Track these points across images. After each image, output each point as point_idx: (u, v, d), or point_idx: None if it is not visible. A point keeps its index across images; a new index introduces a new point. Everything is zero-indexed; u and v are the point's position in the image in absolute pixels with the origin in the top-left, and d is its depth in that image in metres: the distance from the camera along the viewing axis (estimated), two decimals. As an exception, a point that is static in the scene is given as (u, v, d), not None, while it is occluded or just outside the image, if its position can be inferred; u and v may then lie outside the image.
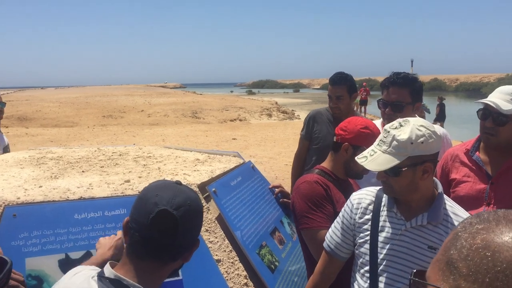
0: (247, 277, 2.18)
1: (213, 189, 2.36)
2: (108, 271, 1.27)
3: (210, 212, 2.28)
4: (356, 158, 1.83)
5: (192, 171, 2.56)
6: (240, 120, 24.91)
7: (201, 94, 50.79)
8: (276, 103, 39.84)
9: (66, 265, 1.90)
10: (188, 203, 1.28)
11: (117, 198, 2.13)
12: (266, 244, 2.47)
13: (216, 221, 2.26)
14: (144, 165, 2.70)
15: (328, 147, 3.72)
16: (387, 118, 2.79)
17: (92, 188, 2.17)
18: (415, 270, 0.83)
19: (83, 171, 2.51)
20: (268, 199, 2.81)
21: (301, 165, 4.03)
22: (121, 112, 28.32)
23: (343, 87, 3.69)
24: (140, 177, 2.38)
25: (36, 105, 35.55)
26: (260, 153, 12.69)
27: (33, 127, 21.51)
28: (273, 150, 13.11)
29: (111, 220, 2.04)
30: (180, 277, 2.03)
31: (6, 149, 4.16)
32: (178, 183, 1.35)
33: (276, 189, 2.90)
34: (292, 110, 31.99)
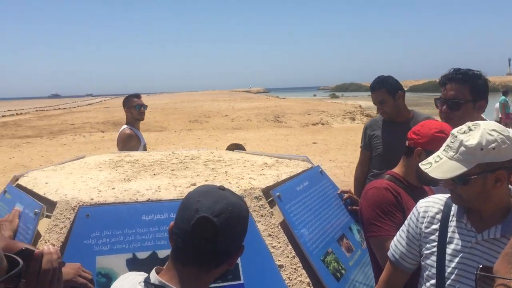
0: (310, 284, 2.14)
1: (277, 193, 2.35)
2: (154, 277, 1.30)
3: (274, 217, 2.27)
4: (420, 164, 1.73)
5: (258, 175, 2.57)
6: (322, 124, 24.71)
7: (284, 99, 51.09)
8: (360, 106, 39.03)
9: (133, 264, 1.99)
10: (230, 210, 1.28)
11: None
12: (332, 251, 2.41)
13: (279, 226, 2.25)
14: (213, 168, 2.75)
15: (388, 153, 3.56)
16: (444, 117, 2.61)
17: (159, 191, 2.25)
18: (480, 266, 0.77)
19: (154, 174, 2.61)
20: (337, 204, 2.74)
21: (363, 177, 3.97)
22: (206, 117, 29.30)
23: (382, 91, 3.65)
24: (206, 180, 2.43)
25: (129, 111, 37.72)
26: (341, 157, 12.49)
27: (127, 132, 22.78)
28: (354, 155, 12.82)
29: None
30: (242, 281, 2.04)
31: (145, 147, 4.81)
32: (222, 188, 1.36)
33: (345, 195, 2.82)
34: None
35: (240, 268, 2.07)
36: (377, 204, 2.18)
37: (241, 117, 28.16)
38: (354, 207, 2.79)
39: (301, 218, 2.38)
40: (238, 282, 2.04)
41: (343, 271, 2.36)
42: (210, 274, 1.33)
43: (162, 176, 2.56)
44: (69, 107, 54.47)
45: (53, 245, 1.98)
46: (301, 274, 2.14)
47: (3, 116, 41.98)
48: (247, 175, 2.55)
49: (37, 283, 1.18)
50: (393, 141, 3.62)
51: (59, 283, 1.25)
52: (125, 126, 4.84)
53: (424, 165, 1.68)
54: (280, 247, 2.18)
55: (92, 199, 2.13)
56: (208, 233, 1.25)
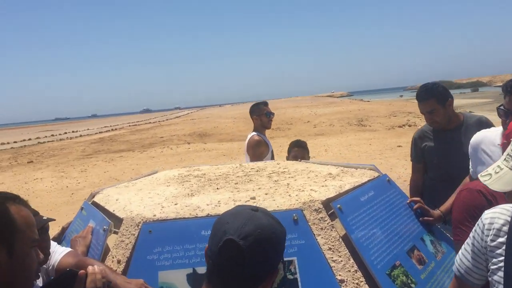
0: (374, 300, 2.05)
1: (338, 205, 2.29)
2: None
3: (335, 230, 2.21)
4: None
5: (320, 186, 2.52)
6: (409, 125, 23.75)
7: (368, 101, 49.91)
8: (450, 105, 36.96)
9: (193, 279, 2.03)
10: (258, 232, 1.25)
11: (241, 215, 2.20)
12: (400, 264, 2.30)
13: (340, 240, 2.19)
14: (275, 181, 2.75)
15: (445, 162, 3.34)
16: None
17: (219, 206, 2.29)
18: None
19: (217, 188, 2.66)
20: (406, 215, 2.62)
21: (418, 190, 3.76)
22: (288, 124, 29.37)
23: (431, 101, 3.43)
24: (266, 194, 2.43)
25: (214, 121, 38.93)
26: (427, 160, 11.90)
27: (211, 142, 23.53)
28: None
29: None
30: (300, 296, 2.01)
31: (272, 154, 5.09)
32: (254, 209, 1.34)
33: (415, 205, 2.68)
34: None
35: (299, 283, 2.04)
36: (466, 207, 2.06)
37: (323, 123, 27.88)
38: (425, 218, 2.64)
39: (364, 230, 2.29)
40: (296, 297, 2.01)
41: (413, 285, 2.24)
42: None
43: (225, 190, 2.59)
44: (159, 121, 57.29)
45: (118, 261, 2.08)
46: (363, 290, 2.06)
47: (100, 132, 45.15)
48: (308, 187, 2.52)
49: None
50: (447, 150, 3.46)
51: None
52: (253, 133, 5.05)
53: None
54: (341, 261, 2.12)
55: (154, 215, 2.21)
56: (234, 256, 1.24)
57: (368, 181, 2.67)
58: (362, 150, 14.70)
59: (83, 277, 1.27)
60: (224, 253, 1.25)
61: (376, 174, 2.85)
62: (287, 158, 4.94)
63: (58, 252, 2.16)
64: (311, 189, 2.47)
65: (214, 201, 2.35)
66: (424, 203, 2.73)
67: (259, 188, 2.57)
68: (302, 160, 4.73)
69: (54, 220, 2.07)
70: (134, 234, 2.16)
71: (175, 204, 2.35)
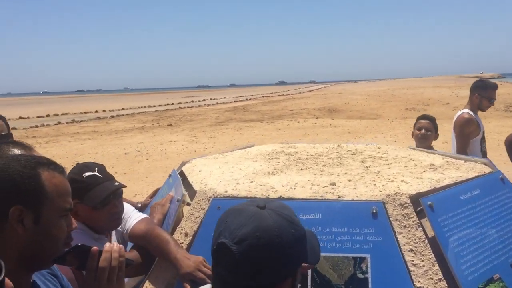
0: (457, 317, 1.76)
1: (429, 202, 1.99)
2: None
3: (421, 230, 1.94)
4: None
5: (414, 178, 2.23)
6: None
7: (521, 84, 44.59)
8: None
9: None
10: (257, 235, 1.07)
11: (314, 201, 2.04)
12: (500, 277, 1.95)
13: (426, 241, 1.91)
14: (367, 167, 2.50)
15: None
16: None
17: (294, 188, 2.14)
18: None
19: (302, 169, 2.50)
20: (520, 221, 2.21)
21: None
22: (425, 104, 27.60)
23: None
24: (350, 180, 2.22)
25: (345, 97, 38.16)
26: None
27: (339, 119, 23.09)
28: None
29: (304, 223, 1.95)
30: (369, 300, 1.81)
31: (483, 135, 4.74)
32: (261, 206, 1.15)
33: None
34: None
35: (369, 284, 1.83)
36: None
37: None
38: None
39: (458, 233, 1.98)
40: (364, 300, 1.81)
41: (512, 306, 1.89)
42: None
43: (308, 172, 2.43)
44: (291, 94, 57.82)
45: (186, 234, 2.06)
46: (445, 303, 1.78)
47: (235, 101, 47.01)
48: (400, 178, 2.24)
49: (94, 280, 1.21)
50: None
51: (120, 282, 1.25)
52: (464, 110, 4.77)
53: None
54: (423, 266, 1.85)
55: (226, 192, 2.14)
56: (226, 262, 1.09)
57: (476, 177, 2.30)
58: (503, 139, 13.18)
59: (95, 254, 1.23)
60: (218, 258, 1.12)
61: (488, 170, 2.44)
62: (412, 134, 4.55)
63: (133, 218, 2.21)
64: (402, 180, 2.19)
65: (291, 183, 2.21)
66: None
67: (345, 173, 2.36)
68: (427, 133, 4.32)
69: (126, 186, 2.11)
70: (204, 209, 2.12)
71: (251, 182, 2.25)
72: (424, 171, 2.36)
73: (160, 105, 45.92)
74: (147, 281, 2.05)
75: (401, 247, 1.89)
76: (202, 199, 2.16)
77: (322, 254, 1.91)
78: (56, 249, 1.20)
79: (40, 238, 1.17)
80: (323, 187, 2.14)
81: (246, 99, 49.92)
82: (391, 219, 1.96)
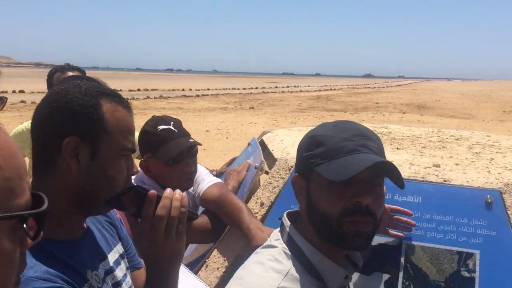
0: None
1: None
2: None
3: None
4: None
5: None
6: None
7: None
8: None
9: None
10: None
11: (414, 182, 1.74)
12: None
13: None
14: (476, 153, 2.14)
15: None
16: None
17: (390, 166, 1.85)
18: None
19: (397, 148, 2.20)
20: None
21: None
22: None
23: None
24: (457, 164, 1.88)
25: (437, 95, 36.24)
26: None
27: (428, 115, 21.89)
28: None
29: (400, 205, 1.67)
30: (474, 304, 1.49)
31: None
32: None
33: None
34: None
35: (476, 285, 1.52)
36: None
37: None
38: None
39: None
40: None
41: None
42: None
43: (405, 152, 2.12)
44: (378, 87, 55.93)
45: (261, 204, 1.85)
46: None
47: (319, 90, 46.36)
48: (508, 166, 1.88)
49: (151, 229, 1.02)
50: None
51: (179, 238, 1.05)
52: None
53: None
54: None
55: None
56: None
57: None
58: None
59: (153, 199, 1.02)
60: None
61: None
62: None
63: (206, 181, 2.04)
64: (502, 168, 1.83)
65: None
66: None
67: (450, 157, 2.03)
68: None
69: (201, 144, 1.92)
70: (284, 178, 1.89)
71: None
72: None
73: (244, 88, 46.34)
74: (215, 250, 1.87)
75: (520, 243, 1.55)
76: (283, 168, 1.93)
77: (418, 243, 1.63)
78: (111, 190, 1.03)
79: (95, 178, 1.01)
80: (425, 168, 1.83)
81: (331, 89, 49.03)
82: (509, 212, 1.61)
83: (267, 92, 40.67)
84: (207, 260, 1.88)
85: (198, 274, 1.83)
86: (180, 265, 1.10)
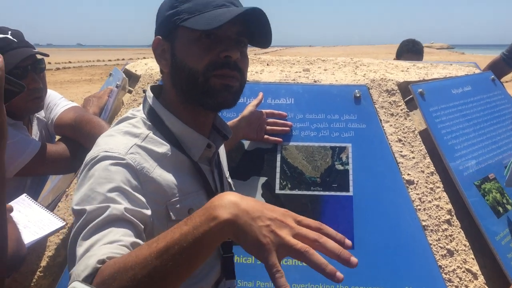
0: (452, 213, 1.49)
1: (420, 90, 1.69)
2: None
3: (410, 120, 1.63)
4: None
5: (400, 71, 1.92)
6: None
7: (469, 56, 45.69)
8: None
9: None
10: None
11: (285, 84, 1.68)
12: (495, 178, 1.69)
13: (416, 132, 1.61)
14: (344, 62, 2.17)
15: None
16: None
17: (261, 73, 1.78)
18: None
19: (267, 65, 2.14)
20: (512, 123, 1.96)
21: None
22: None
23: None
24: (325, 70, 1.88)
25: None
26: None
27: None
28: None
29: (273, 108, 1.61)
30: (350, 193, 1.50)
31: None
32: None
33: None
34: None
35: (350, 177, 1.52)
36: None
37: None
38: None
39: (452, 127, 1.69)
40: (346, 193, 1.50)
41: (508, 207, 1.64)
42: None
43: (275, 67, 2.07)
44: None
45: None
46: (439, 197, 1.50)
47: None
48: (384, 70, 1.93)
49: None
50: None
51: None
52: None
53: None
54: (413, 158, 1.56)
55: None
56: None
57: (465, 75, 2.02)
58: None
59: None
60: None
61: (477, 71, 2.17)
62: None
63: (60, 106, 1.78)
64: (386, 71, 1.88)
65: (256, 70, 1.84)
66: None
67: (318, 67, 2.02)
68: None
69: (48, 55, 1.65)
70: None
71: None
72: (408, 69, 2.05)
73: (110, 60, 43.92)
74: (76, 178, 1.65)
75: (388, 137, 1.58)
76: (148, 83, 1.76)
77: (293, 143, 1.59)
78: None
79: None
80: (295, 72, 1.79)
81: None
82: (376, 106, 1.64)
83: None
84: (67, 189, 1.65)
85: (57, 205, 1.60)
86: (3, 145, 0.88)
